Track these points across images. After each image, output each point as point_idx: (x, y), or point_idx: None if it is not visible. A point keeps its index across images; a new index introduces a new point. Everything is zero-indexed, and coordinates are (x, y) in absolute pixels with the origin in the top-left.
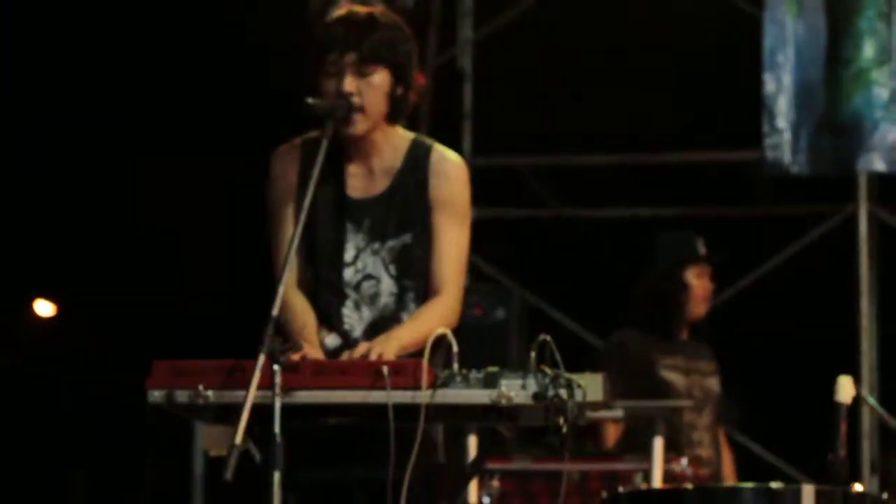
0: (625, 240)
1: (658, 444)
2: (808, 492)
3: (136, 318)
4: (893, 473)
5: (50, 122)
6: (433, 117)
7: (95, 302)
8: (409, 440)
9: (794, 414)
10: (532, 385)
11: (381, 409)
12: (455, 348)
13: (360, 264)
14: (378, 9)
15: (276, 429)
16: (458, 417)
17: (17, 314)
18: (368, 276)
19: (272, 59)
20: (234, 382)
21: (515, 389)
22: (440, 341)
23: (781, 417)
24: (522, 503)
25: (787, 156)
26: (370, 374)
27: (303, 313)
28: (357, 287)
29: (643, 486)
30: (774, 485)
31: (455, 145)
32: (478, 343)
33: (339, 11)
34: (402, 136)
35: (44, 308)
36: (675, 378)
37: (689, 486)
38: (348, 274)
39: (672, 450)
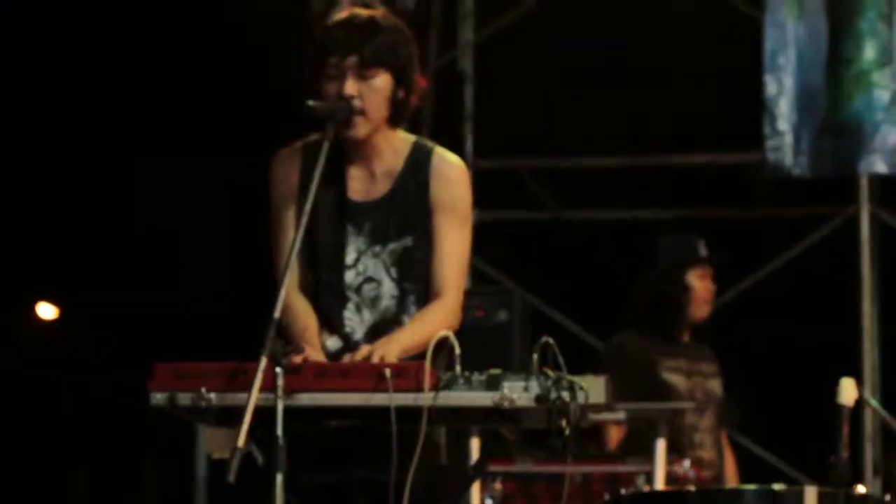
0: (626, 242)
1: (660, 446)
2: (810, 494)
3: (137, 319)
4: None
5: (50, 122)
6: (434, 120)
7: (96, 302)
8: (411, 442)
9: (796, 416)
10: (534, 387)
11: (383, 411)
12: (457, 350)
13: (361, 267)
14: (379, 11)
15: (279, 431)
16: (461, 420)
17: (17, 314)
18: (369, 279)
19: (272, 59)
20: (236, 385)
21: (518, 392)
22: (442, 344)
23: (783, 419)
24: None
25: (788, 158)
26: (372, 376)
27: (304, 316)
28: (358, 290)
29: (645, 488)
30: (777, 487)
31: (456, 148)
32: (480, 345)
33: (341, 14)
34: (403, 139)
35: (46, 311)
36: (676, 380)
37: (692, 488)
38: (349, 277)
39: (674, 452)
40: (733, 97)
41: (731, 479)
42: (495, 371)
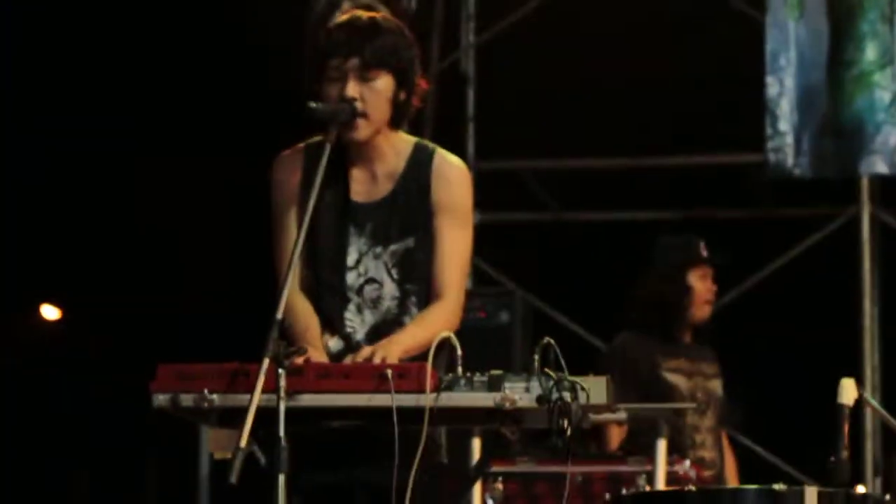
0: (627, 242)
1: (661, 446)
2: (810, 493)
3: (137, 319)
4: None
5: (50, 122)
6: (437, 121)
7: (96, 302)
8: (413, 443)
9: (797, 416)
10: (536, 388)
11: (385, 412)
12: (459, 351)
13: (362, 268)
14: (381, 14)
15: (281, 432)
16: (462, 420)
17: (18, 314)
18: (371, 280)
19: (272, 59)
20: (238, 386)
21: (519, 392)
22: (443, 345)
23: (784, 419)
24: None
25: (789, 158)
26: (374, 377)
27: (306, 317)
28: (359, 291)
29: (646, 489)
30: (777, 487)
31: (458, 149)
32: (481, 346)
33: (342, 16)
34: (404, 141)
35: (49, 312)
36: (678, 380)
37: (693, 488)
38: (351, 278)
39: (675, 452)
40: (734, 98)
41: (732, 479)
42: (497, 372)
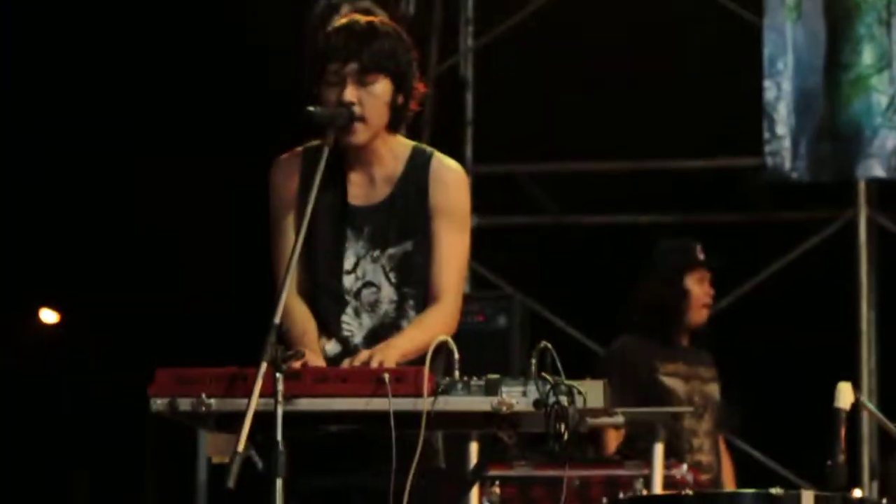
0: (625, 246)
1: (658, 450)
2: (807, 497)
3: (137, 319)
4: (893, 479)
5: (50, 122)
6: (435, 125)
7: (96, 302)
8: (410, 447)
9: (794, 420)
10: (533, 392)
11: (382, 416)
12: (456, 355)
13: (360, 272)
14: (379, 18)
15: (279, 436)
16: (460, 424)
17: (18, 315)
18: (368, 284)
19: (272, 59)
20: (236, 390)
21: (516, 396)
22: (441, 348)
23: (781, 423)
24: None
25: (787, 162)
26: (372, 381)
27: (303, 321)
28: (357, 294)
29: (644, 493)
30: (774, 491)
31: (456, 153)
32: (479, 350)
33: (341, 21)
34: (402, 145)
35: (49, 316)
36: (675, 384)
37: (690, 492)
38: (348, 281)
39: (672, 456)
40: (732, 102)
41: (729, 483)
42: (494, 376)
